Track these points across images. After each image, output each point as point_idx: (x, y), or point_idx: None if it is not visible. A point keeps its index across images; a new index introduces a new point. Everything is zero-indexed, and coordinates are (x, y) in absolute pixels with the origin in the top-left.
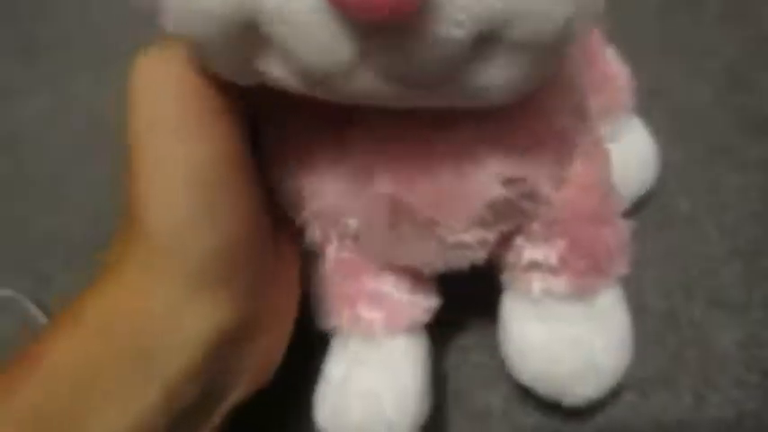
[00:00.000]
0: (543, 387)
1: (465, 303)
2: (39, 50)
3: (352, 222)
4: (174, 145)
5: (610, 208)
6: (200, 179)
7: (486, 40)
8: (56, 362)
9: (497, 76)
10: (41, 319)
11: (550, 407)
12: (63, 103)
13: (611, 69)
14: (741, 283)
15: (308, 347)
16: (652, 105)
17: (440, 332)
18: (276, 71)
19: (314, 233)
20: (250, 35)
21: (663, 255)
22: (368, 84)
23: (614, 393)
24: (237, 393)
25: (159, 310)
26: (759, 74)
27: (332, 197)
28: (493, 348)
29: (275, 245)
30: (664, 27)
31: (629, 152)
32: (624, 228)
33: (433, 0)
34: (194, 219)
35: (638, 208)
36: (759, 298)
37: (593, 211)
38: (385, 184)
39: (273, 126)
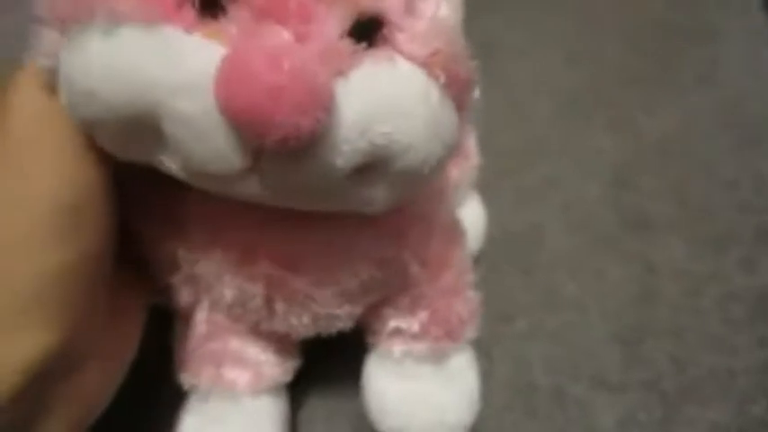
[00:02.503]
0: None
1: (331, 361)
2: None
3: (228, 293)
4: (32, 165)
5: (464, 281)
6: (54, 198)
7: (367, 168)
8: None
9: (375, 195)
10: None
11: None
12: None
13: (469, 148)
14: (620, 365)
15: (163, 402)
16: (546, 197)
17: (305, 388)
18: (166, 162)
19: (183, 295)
20: (142, 125)
21: (551, 335)
22: (255, 190)
23: None
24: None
25: None
26: (640, 177)
27: (209, 267)
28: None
29: (117, 288)
30: (558, 130)
31: (465, 219)
32: (474, 298)
33: (323, 131)
34: (37, 237)
35: (529, 289)
36: (636, 380)
37: (450, 285)
38: (265, 265)
39: (151, 183)
